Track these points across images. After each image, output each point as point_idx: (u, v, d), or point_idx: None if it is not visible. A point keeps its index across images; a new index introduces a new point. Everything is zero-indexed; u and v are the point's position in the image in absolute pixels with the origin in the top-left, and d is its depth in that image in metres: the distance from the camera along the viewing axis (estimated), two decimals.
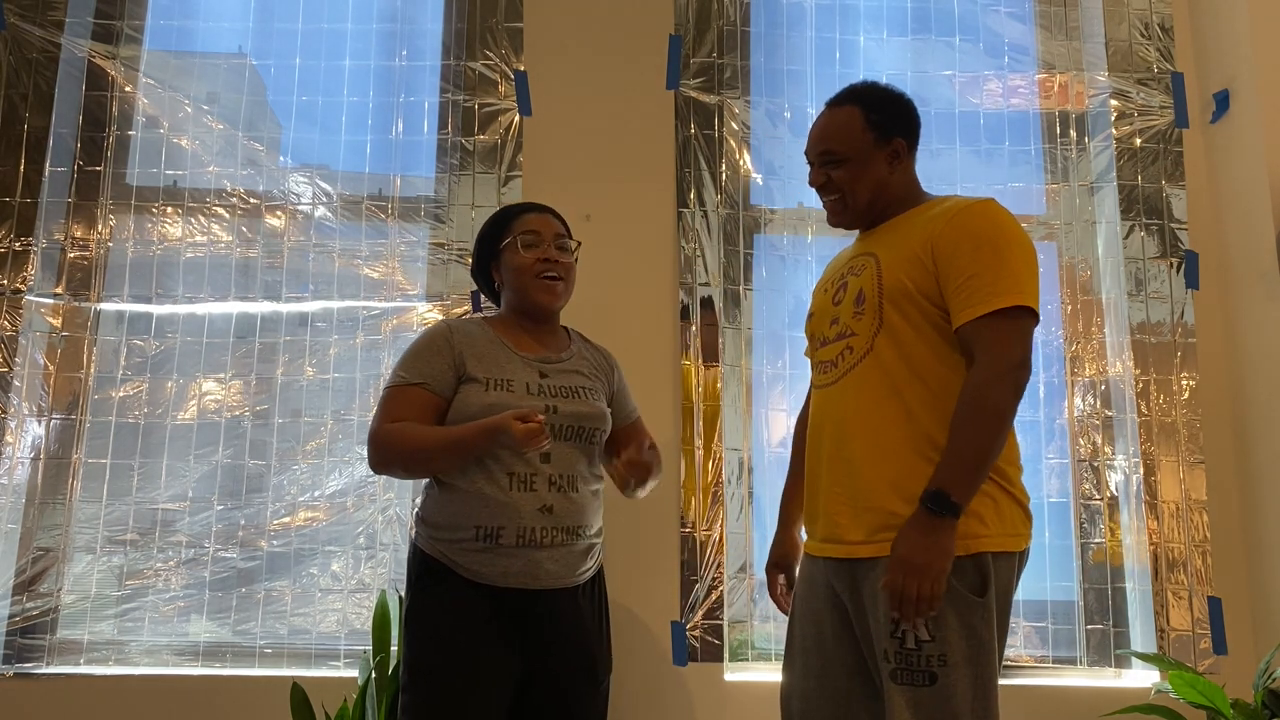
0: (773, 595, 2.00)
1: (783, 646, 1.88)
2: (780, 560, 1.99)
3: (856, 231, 1.94)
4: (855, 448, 1.70)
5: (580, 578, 1.89)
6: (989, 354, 1.60)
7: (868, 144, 1.80)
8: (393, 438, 1.84)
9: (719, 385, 2.69)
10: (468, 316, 1.99)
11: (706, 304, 2.72)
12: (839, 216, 1.87)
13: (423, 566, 1.86)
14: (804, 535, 1.89)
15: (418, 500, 1.94)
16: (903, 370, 1.68)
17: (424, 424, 1.85)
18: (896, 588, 1.56)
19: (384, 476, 2.61)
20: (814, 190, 1.89)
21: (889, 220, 1.83)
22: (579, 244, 2.06)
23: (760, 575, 2.65)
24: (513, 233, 1.99)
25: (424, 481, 1.97)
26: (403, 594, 2.41)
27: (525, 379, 1.90)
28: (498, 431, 1.74)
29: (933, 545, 1.55)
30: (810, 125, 1.89)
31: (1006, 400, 1.60)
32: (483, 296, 2.67)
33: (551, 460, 1.85)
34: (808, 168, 1.90)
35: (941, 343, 1.68)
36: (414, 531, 1.91)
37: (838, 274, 1.87)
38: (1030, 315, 1.64)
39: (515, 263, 1.97)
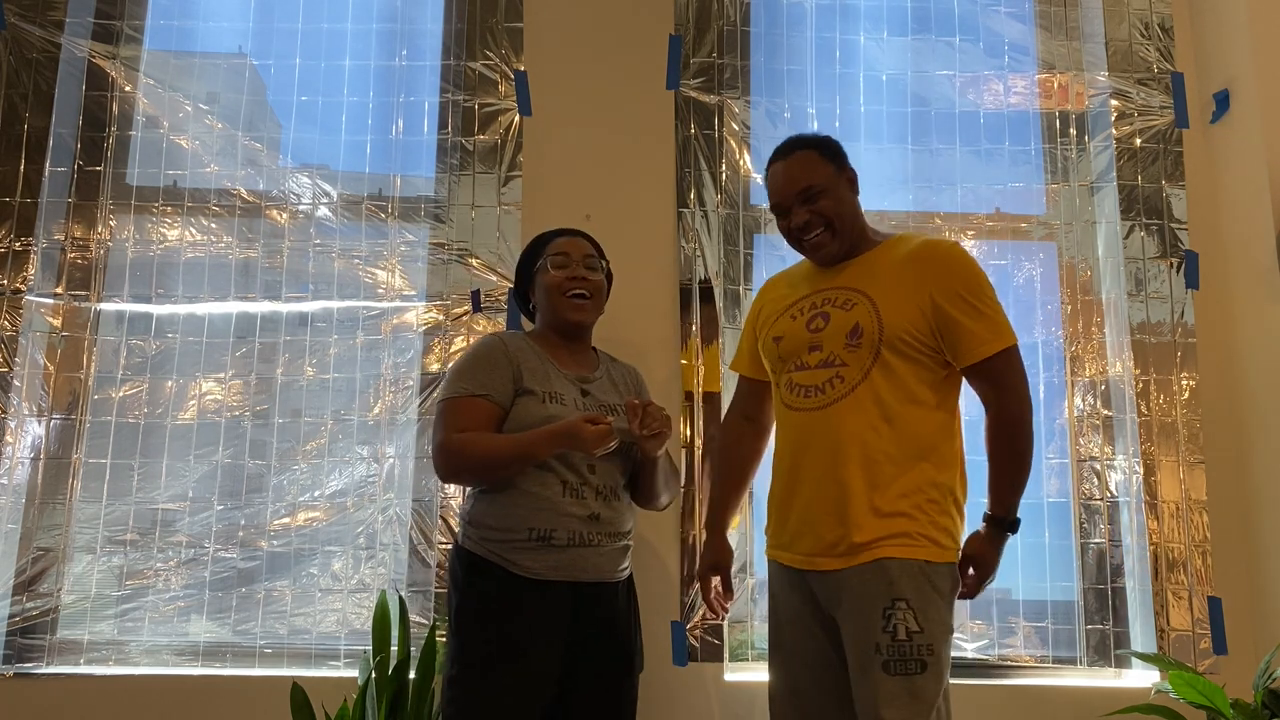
0: (707, 599, 2.12)
1: None
2: (716, 564, 2.12)
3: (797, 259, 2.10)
4: (850, 471, 1.83)
5: (620, 575, 2.00)
6: (1012, 388, 1.86)
7: (832, 173, 1.97)
8: (467, 449, 1.91)
9: (719, 385, 2.68)
10: (510, 331, 2.09)
11: (707, 304, 2.72)
12: (829, 247, 1.98)
13: (470, 565, 1.93)
14: (758, 541, 2.08)
15: (463, 506, 2.03)
16: (895, 402, 1.85)
17: (491, 434, 1.93)
18: (975, 589, 1.88)
19: (384, 476, 2.63)
20: (791, 241, 2.02)
21: (856, 258, 1.98)
22: (607, 263, 2.16)
23: (761, 575, 2.65)
24: (544, 255, 2.10)
25: (453, 486, 2.01)
26: (403, 593, 2.43)
27: (572, 395, 2.01)
28: (569, 435, 1.84)
29: (998, 557, 1.89)
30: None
31: (1032, 425, 1.88)
32: (481, 295, 2.69)
33: (597, 472, 1.95)
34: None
35: (926, 379, 1.87)
36: (461, 536, 1.99)
37: (804, 302, 1.99)
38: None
39: (545, 281, 2.08)
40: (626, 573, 2.03)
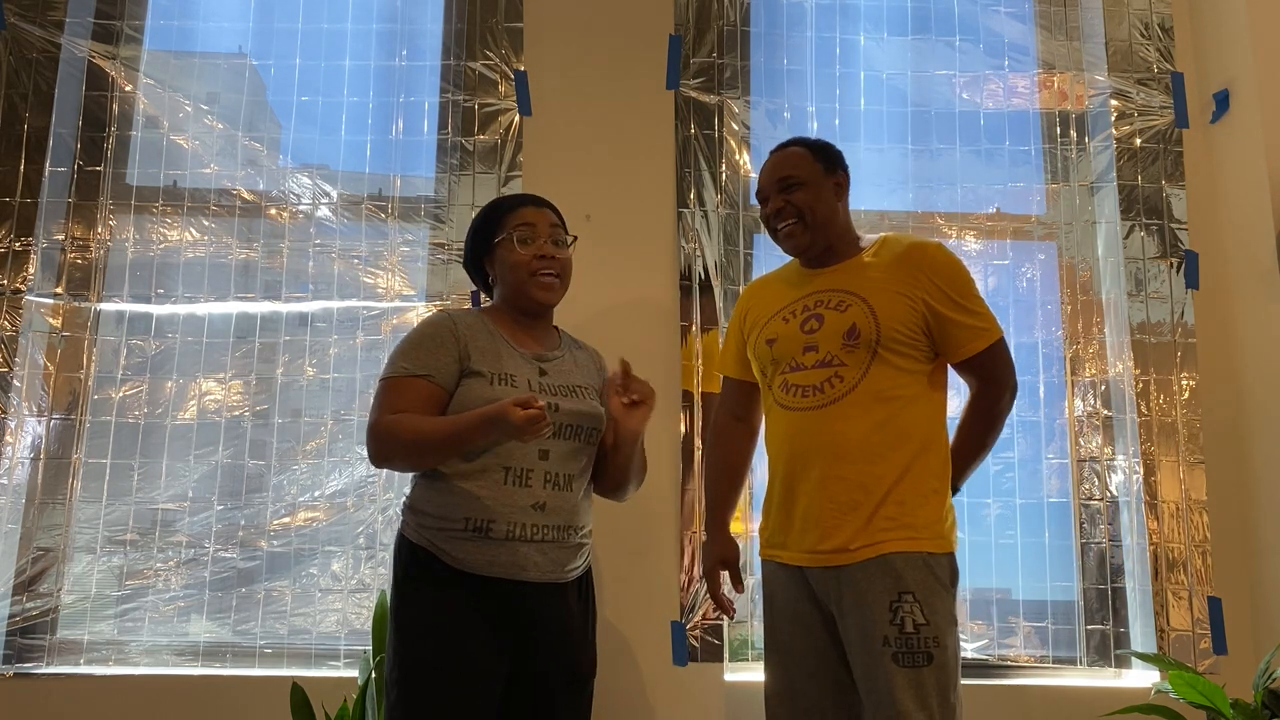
0: (716, 595, 2.11)
1: None
2: (724, 558, 2.11)
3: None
4: (855, 467, 1.87)
5: (568, 575, 1.86)
6: (999, 379, 1.96)
7: (818, 172, 2.03)
8: (395, 430, 1.79)
9: (719, 385, 2.68)
10: (463, 309, 1.97)
11: (706, 304, 2.72)
12: (799, 238, 2.03)
13: (410, 557, 1.82)
14: (750, 541, 2.11)
15: (406, 490, 1.92)
16: (894, 398, 1.90)
17: (425, 416, 1.81)
18: None
19: (384, 476, 2.63)
20: (769, 230, 2.07)
21: (846, 260, 2.02)
22: (574, 238, 2.03)
23: (759, 575, 2.65)
24: (506, 227, 1.95)
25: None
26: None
27: (526, 375, 1.88)
28: (499, 419, 1.67)
29: None
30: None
31: (1006, 418, 1.99)
32: (481, 295, 2.68)
33: (550, 458, 1.84)
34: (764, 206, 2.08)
35: (920, 373, 1.93)
36: (401, 523, 1.88)
37: (796, 305, 2.02)
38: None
39: (511, 259, 1.93)
40: (578, 572, 1.89)
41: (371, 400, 1.89)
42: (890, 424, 1.88)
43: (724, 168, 2.80)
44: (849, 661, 1.85)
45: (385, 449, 1.83)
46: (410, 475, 1.94)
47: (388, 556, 2.61)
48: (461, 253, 2.73)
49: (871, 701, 1.78)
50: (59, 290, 2.70)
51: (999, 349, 1.94)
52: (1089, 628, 2.67)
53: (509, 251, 1.94)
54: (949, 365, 1.98)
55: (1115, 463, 2.74)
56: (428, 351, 1.85)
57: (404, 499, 1.91)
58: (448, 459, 1.81)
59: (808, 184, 2.01)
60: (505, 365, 1.87)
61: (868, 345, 1.90)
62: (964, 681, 1.85)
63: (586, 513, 1.92)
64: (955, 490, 1.97)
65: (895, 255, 1.98)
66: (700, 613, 2.57)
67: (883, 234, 2.09)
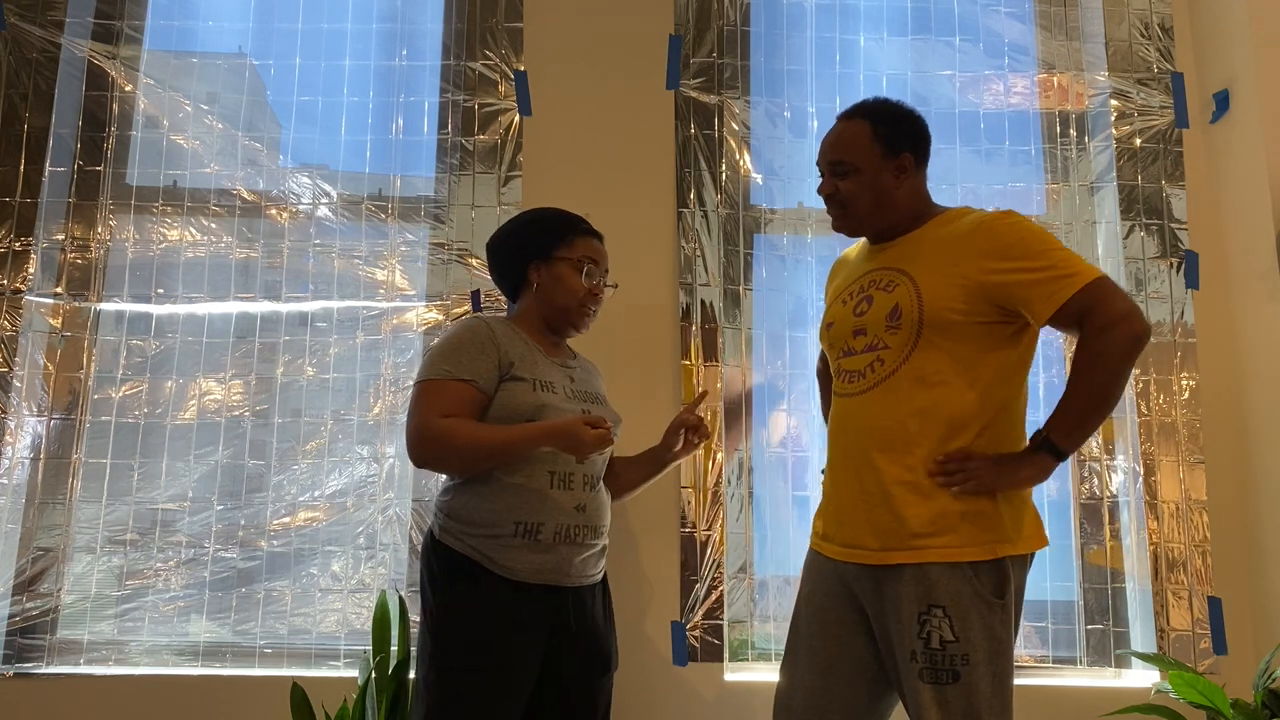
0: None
1: (782, 646, 1.91)
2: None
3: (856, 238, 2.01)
4: (890, 456, 1.75)
5: (596, 576, 1.95)
6: (1100, 317, 1.65)
7: (875, 156, 1.86)
8: (452, 434, 1.81)
9: (719, 385, 2.69)
10: (493, 316, 2.04)
11: (706, 304, 2.72)
12: (841, 223, 1.93)
13: (451, 564, 1.85)
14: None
15: (440, 497, 1.93)
16: (941, 382, 1.74)
17: (469, 420, 1.84)
18: (958, 476, 1.69)
19: (384, 476, 2.63)
20: (819, 196, 1.95)
21: (905, 235, 1.87)
22: (616, 285, 2.13)
23: (761, 575, 2.65)
24: (576, 251, 2.03)
25: (440, 478, 1.96)
26: (403, 593, 2.43)
27: (561, 382, 1.95)
28: (566, 434, 1.76)
29: (1012, 475, 1.71)
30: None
31: (1123, 359, 1.66)
32: (481, 295, 2.68)
33: (586, 460, 1.90)
34: (809, 169, 1.98)
35: (982, 351, 1.74)
36: (438, 529, 1.89)
37: (855, 285, 1.91)
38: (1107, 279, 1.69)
39: (571, 284, 2.01)
40: (601, 575, 1.99)
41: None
42: (933, 410, 1.72)
43: (724, 168, 2.80)
44: (886, 665, 1.77)
45: (437, 452, 1.84)
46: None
47: (388, 556, 2.62)
48: (462, 252, 2.73)
49: (909, 712, 1.72)
50: (59, 290, 2.70)
51: (1090, 291, 1.65)
52: (1089, 627, 2.67)
53: (570, 275, 2.01)
54: (1038, 339, 1.80)
55: (1115, 463, 2.74)
56: (470, 357, 1.87)
57: (438, 505, 1.93)
58: (499, 467, 1.85)
59: (860, 170, 1.85)
60: (543, 372, 1.93)
61: (911, 326, 1.75)
62: None
63: (608, 512, 1.99)
64: (1050, 439, 1.68)
65: (961, 231, 1.80)
66: (700, 613, 2.57)
67: (960, 207, 1.90)
